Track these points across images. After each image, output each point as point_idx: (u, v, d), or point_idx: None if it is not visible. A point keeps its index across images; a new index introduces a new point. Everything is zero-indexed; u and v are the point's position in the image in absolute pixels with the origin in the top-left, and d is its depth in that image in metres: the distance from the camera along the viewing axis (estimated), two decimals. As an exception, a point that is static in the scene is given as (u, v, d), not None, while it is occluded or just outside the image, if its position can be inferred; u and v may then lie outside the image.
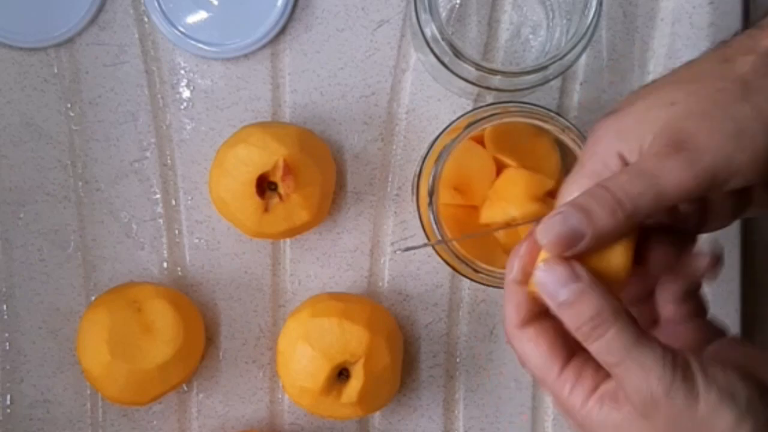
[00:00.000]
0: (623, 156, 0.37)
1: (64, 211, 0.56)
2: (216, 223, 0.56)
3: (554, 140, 0.52)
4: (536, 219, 0.38)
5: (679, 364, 0.35)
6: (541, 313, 0.38)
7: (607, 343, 0.36)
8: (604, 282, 0.37)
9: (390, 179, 0.57)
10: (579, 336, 0.36)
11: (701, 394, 0.35)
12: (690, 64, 0.40)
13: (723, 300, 0.57)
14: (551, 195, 0.53)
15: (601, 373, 0.37)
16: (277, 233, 0.53)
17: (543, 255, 0.37)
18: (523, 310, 0.38)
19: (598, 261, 0.37)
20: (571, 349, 0.38)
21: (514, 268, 0.39)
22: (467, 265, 0.49)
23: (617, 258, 0.37)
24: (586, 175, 0.38)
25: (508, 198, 0.51)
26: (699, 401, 0.35)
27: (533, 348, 0.38)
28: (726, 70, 0.38)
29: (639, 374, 0.35)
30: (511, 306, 0.39)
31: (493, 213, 0.51)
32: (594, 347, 0.36)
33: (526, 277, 0.38)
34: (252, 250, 0.57)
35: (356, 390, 0.51)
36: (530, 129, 0.52)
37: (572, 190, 0.38)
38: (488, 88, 0.51)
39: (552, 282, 0.36)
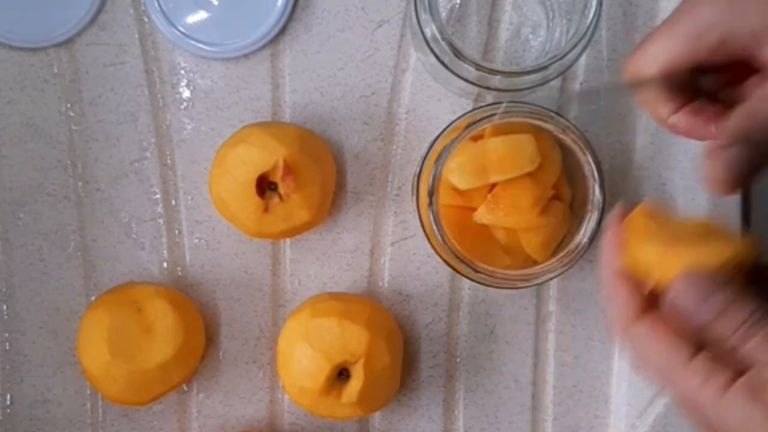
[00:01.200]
0: (726, 43, 0.39)
1: (64, 211, 0.56)
2: (216, 223, 0.56)
3: (554, 140, 0.52)
4: None
5: None
6: (652, 302, 0.37)
7: (759, 341, 0.34)
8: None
9: (390, 179, 0.57)
10: (732, 341, 0.34)
11: None
12: None
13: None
14: (556, 197, 0.53)
15: (742, 362, 0.34)
16: (277, 233, 0.53)
17: (663, 261, 0.36)
18: (635, 301, 0.37)
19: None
20: (697, 338, 0.35)
21: (611, 259, 0.38)
22: (467, 265, 0.49)
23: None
24: (681, 39, 0.39)
25: (509, 205, 0.51)
26: None
27: (654, 339, 0.36)
28: None
29: None
30: (621, 300, 0.37)
31: (492, 217, 0.51)
32: (747, 347, 0.34)
33: (625, 264, 0.37)
34: (252, 250, 0.57)
35: (356, 390, 0.51)
36: (530, 129, 0.52)
37: (664, 46, 0.40)
38: (488, 88, 0.51)
39: (693, 297, 0.35)
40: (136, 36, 0.56)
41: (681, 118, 0.42)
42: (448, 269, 0.52)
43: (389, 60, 0.57)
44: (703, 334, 0.35)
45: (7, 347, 0.56)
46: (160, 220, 0.56)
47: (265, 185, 0.52)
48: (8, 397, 0.56)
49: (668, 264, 0.36)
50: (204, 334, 0.55)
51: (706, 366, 0.35)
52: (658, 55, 0.40)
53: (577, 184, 0.53)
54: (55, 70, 0.56)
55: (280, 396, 0.57)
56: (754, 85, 0.41)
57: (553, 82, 0.52)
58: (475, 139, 0.52)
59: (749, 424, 0.33)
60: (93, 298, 0.56)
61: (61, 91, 0.56)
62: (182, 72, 0.56)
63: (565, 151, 0.52)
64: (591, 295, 0.57)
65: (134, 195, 0.56)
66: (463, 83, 0.51)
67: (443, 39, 0.49)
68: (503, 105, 0.49)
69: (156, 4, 0.56)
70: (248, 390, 0.57)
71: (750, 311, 0.34)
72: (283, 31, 0.56)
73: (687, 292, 0.35)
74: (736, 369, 0.34)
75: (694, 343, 0.35)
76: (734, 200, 0.57)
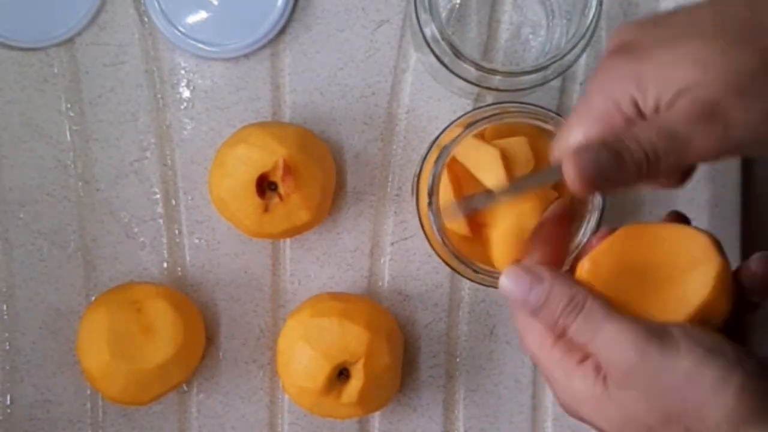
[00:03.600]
0: (637, 103, 0.37)
1: (64, 211, 0.56)
2: (216, 223, 0.56)
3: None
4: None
5: (654, 330, 0.36)
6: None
7: (579, 326, 0.37)
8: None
9: (390, 179, 0.57)
10: (557, 330, 0.38)
11: (682, 352, 0.36)
12: (713, 5, 0.38)
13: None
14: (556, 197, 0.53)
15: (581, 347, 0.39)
16: (277, 233, 0.53)
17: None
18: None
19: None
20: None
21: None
22: (467, 265, 0.49)
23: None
24: (594, 114, 0.38)
25: (512, 207, 0.51)
26: (680, 359, 0.35)
27: (530, 326, 0.40)
28: (759, 22, 0.37)
29: (612, 346, 0.37)
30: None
31: (493, 220, 0.51)
32: (570, 332, 0.38)
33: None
34: (252, 250, 0.57)
35: (356, 390, 0.51)
36: (530, 129, 0.52)
37: (580, 126, 0.39)
38: (488, 88, 0.51)
39: (518, 291, 0.39)
40: (136, 36, 0.56)
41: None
42: (448, 269, 0.52)
43: (389, 60, 0.57)
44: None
45: (7, 347, 0.56)
46: (160, 220, 0.56)
47: (265, 185, 0.52)
48: (8, 397, 0.56)
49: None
50: (204, 334, 0.55)
51: (561, 347, 0.39)
52: (576, 137, 0.39)
53: (577, 184, 0.53)
54: (55, 70, 0.56)
55: (280, 396, 0.57)
56: None
57: (553, 82, 0.52)
58: (477, 138, 0.52)
59: (587, 403, 0.38)
60: (93, 298, 0.56)
61: (61, 91, 0.56)
62: (182, 72, 0.56)
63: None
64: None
65: (134, 195, 0.56)
66: (463, 83, 0.51)
67: (443, 39, 0.49)
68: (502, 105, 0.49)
69: (156, 4, 0.56)
70: (248, 390, 0.57)
71: (568, 297, 0.38)
72: (283, 31, 0.56)
73: (511, 286, 0.39)
74: (582, 353, 0.38)
75: (557, 333, 0.39)
76: (734, 197, 0.57)
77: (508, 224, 0.50)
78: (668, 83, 0.37)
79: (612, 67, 0.39)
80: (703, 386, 0.35)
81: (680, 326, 0.37)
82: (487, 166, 0.50)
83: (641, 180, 0.37)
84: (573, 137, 0.39)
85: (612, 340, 0.37)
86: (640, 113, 0.38)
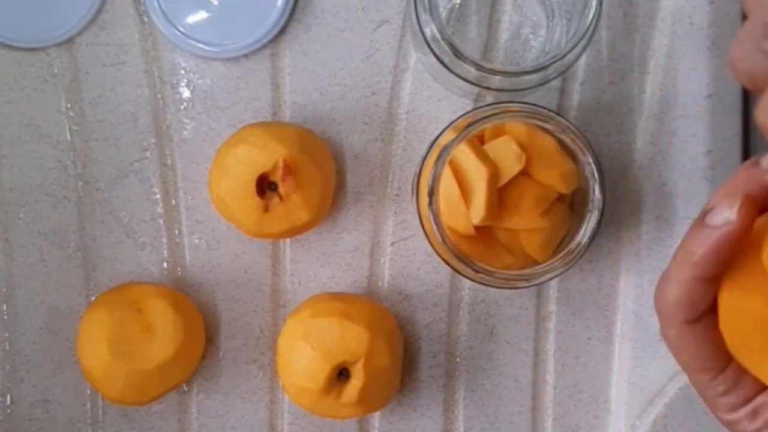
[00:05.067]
0: None
1: (64, 211, 0.56)
2: (216, 223, 0.56)
3: (558, 141, 0.52)
4: None
5: None
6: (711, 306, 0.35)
7: None
8: None
9: (390, 179, 0.57)
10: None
11: None
12: None
13: None
14: (559, 200, 0.53)
15: (758, 386, 0.35)
16: (277, 233, 0.53)
17: None
18: (702, 305, 0.35)
19: None
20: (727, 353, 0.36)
21: (700, 253, 0.34)
22: (467, 265, 0.49)
23: None
24: None
25: (512, 207, 0.51)
26: None
27: (698, 347, 0.36)
28: None
29: None
30: (687, 298, 0.35)
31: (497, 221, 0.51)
32: None
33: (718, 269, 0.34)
34: (252, 250, 0.57)
35: (356, 390, 0.51)
36: (528, 129, 0.52)
37: None
38: (488, 88, 0.51)
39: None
40: (136, 36, 0.56)
41: None
42: (448, 269, 0.52)
43: (389, 60, 0.57)
44: None
45: (7, 347, 0.56)
46: (160, 220, 0.56)
47: (265, 185, 0.52)
48: (8, 397, 0.56)
49: None
50: (204, 334, 0.55)
51: (731, 380, 0.36)
52: None
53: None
54: (55, 70, 0.56)
55: (280, 396, 0.57)
56: None
57: (553, 82, 0.52)
58: (477, 138, 0.52)
59: None
60: (93, 298, 0.56)
61: (61, 91, 0.56)
62: (182, 72, 0.56)
63: (566, 151, 0.52)
64: (591, 295, 0.57)
65: (134, 195, 0.56)
66: (463, 83, 0.51)
67: (443, 39, 0.49)
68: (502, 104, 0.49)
69: (156, 4, 0.56)
70: (248, 390, 0.57)
71: None
72: (283, 31, 0.56)
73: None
74: (756, 388, 0.35)
75: (726, 355, 0.36)
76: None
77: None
78: None
79: None
80: None
81: None
82: (473, 183, 0.50)
83: None
84: None
85: None
86: None
